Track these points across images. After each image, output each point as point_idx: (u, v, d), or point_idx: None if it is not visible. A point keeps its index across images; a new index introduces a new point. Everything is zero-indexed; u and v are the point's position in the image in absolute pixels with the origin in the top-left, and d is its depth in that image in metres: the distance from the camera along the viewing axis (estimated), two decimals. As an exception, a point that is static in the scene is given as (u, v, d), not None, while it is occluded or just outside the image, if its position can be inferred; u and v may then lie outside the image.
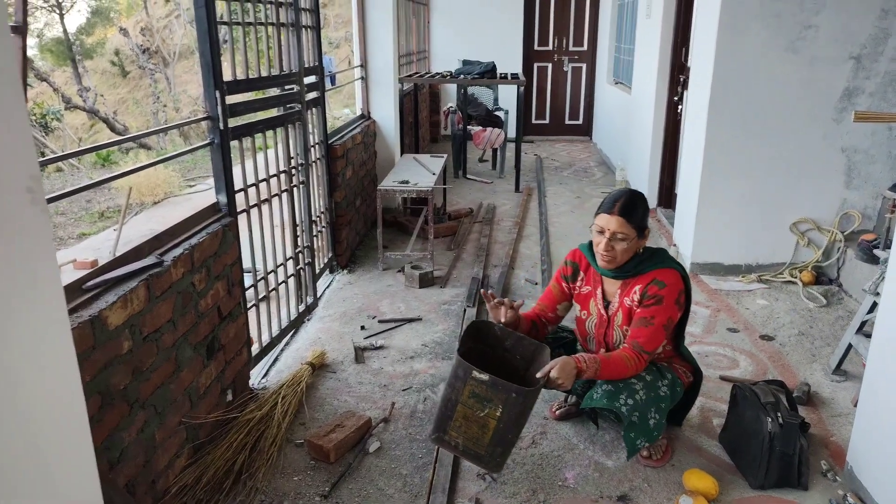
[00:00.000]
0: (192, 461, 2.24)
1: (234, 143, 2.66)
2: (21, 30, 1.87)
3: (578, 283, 2.50)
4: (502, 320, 2.29)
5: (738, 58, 3.76)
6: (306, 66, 3.44)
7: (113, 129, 13.32)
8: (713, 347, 3.23)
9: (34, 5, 22.89)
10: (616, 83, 7.50)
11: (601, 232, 2.27)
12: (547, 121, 9.12)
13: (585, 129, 9.04)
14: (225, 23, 2.60)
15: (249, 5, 2.79)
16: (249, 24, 2.80)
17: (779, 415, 2.24)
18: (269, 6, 2.98)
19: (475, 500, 2.21)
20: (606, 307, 2.41)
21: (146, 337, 1.94)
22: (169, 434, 2.10)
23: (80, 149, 2.02)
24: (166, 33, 20.16)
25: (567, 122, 9.11)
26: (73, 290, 1.75)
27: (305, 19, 3.48)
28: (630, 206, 2.24)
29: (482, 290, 2.42)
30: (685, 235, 4.28)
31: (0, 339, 1.14)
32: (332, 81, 6.47)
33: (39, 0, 22.84)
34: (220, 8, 2.60)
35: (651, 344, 2.24)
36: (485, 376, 2.01)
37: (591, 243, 2.47)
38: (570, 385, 2.10)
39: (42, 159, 1.63)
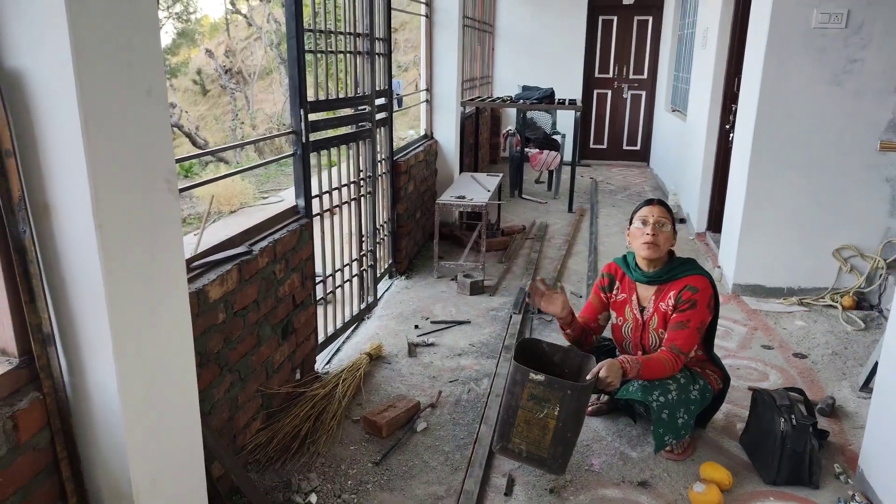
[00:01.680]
0: (266, 425, 2.60)
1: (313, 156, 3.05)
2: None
3: (615, 292, 2.76)
4: (558, 312, 2.58)
5: (783, 90, 3.95)
6: (377, 89, 3.84)
7: (195, 143, 14.25)
8: (745, 361, 3.41)
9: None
10: (673, 110, 7.67)
11: (645, 222, 2.54)
12: (605, 145, 9.33)
13: (643, 155, 9.21)
14: (311, 51, 3.01)
15: (332, 36, 3.20)
16: (331, 52, 3.21)
17: (792, 416, 2.42)
18: (348, 37, 3.39)
19: (508, 476, 2.48)
20: (641, 312, 2.66)
21: (236, 312, 2.32)
22: (248, 398, 2.47)
23: (186, 155, 2.35)
24: (246, 54, 21.35)
25: (625, 147, 9.30)
26: (183, 268, 2.15)
27: (378, 48, 3.88)
28: (663, 201, 2.62)
29: (537, 279, 2.67)
30: (729, 258, 4.44)
31: (144, 291, 1.53)
32: (399, 103, 6.91)
33: (133, 22, 24.55)
34: (307, 38, 3.01)
35: (687, 345, 2.49)
36: (541, 377, 2.23)
37: (624, 257, 2.75)
38: (617, 384, 2.33)
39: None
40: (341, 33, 3.28)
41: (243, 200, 8.72)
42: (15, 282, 1.40)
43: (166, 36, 26.25)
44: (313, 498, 2.32)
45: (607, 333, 2.91)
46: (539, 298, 2.62)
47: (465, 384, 3.16)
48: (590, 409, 2.91)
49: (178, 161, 2.08)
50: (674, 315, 2.53)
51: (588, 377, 2.30)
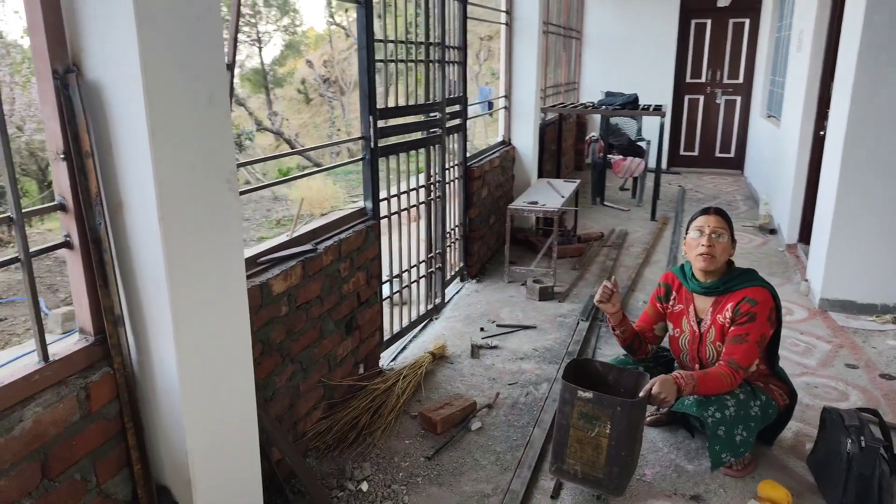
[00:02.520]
0: (326, 415, 2.74)
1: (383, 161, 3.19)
2: (230, 67, 2.48)
3: (671, 303, 2.70)
4: (611, 309, 2.57)
5: (878, 96, 3.71)
6: (450, 96, 3.94)
7: (293, 148, 14.95)
8: (824, 380, 3.23)
9: (239, 39, 26.29)
10: (769, 117, 7.32)
11: (701, 232, 2.48)
12: (696, 152, 9.01)
13: (737, 163, 8.82)
14: (381, 61, 3.14)
15: (403, 46, 3.33)
16: (402, 61, 3.34)
17: (861, 438, 2.29)
18: (419, 46, 3.51)
19: (557, 479, 2.49)
20: (699, 324, 2.59)
21: (299, 306, 2.47)
22: (310, 388, 2.61)
23: (251, 160, 2.56)
24: (346, 65, 22.20)
25: (717, 154, 8.94)
26: (250, 262, 2.31)
27: (452, 56, 3.98)
28: (721, 210, 2.54)
29: (607, 281, 2.60)
30: (817, 271, 4.21)
31: (204, 279, 1.68)
32: (490, 108, 7.02)
33: (242, 35, 26.18)
34: (379, 48, 3.15)
35: (746, 360, 2.40)
36: (589, 394, 2.21)
37: (682, 266, 2.68)
38: (672, 400, 2.28)
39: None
40: (412, 43, 3.40)
41: (334, 203, 9.09)
42: (91, 268, 1.58)
43: (274, 48, 27.74)
44: (364, 486, 2.43)
45: (665, 344, 2.85)
46: (606, 295, 2.58)
47: (524, 387, 3.18)
48: (648, 419, 2.86)
49: (243, 165, 2.23)
50: (732, 328, 2.45)
51: (641, 393, 2.26)
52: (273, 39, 26.96)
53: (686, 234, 2.58)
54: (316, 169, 3.27)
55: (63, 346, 1.60)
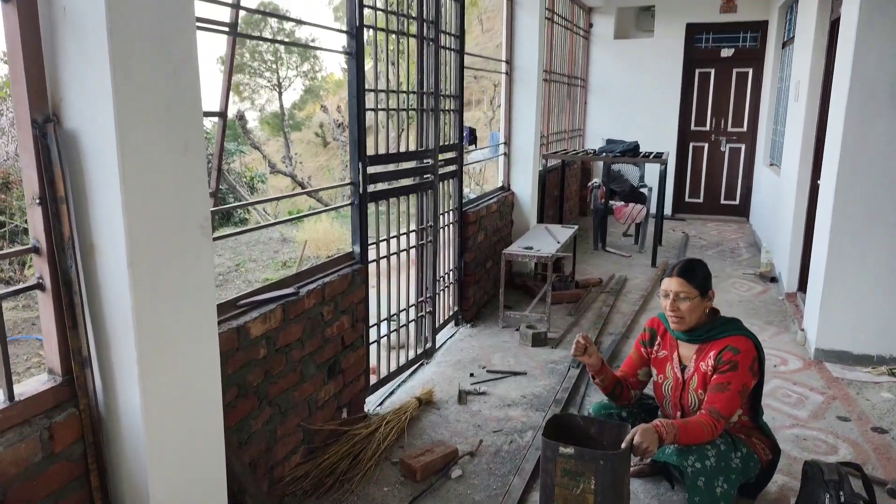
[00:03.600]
0: (305, 460, 2.74)
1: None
2: (223, 115, 2.57)
3: (656, 348, 2.70)
4: (589, 360, 2.57)
5: (868, 145, 3.74)
6: (444, 143, 4.03)
7: (309, 195, 15.20)
8: (814, 432, 3.17)
9: (260, 84, 27.02)
10: (771, 165, 7.36)
11: (666, 295, 2.50)
12: (701, 199, 9.03)
13: (742, 210, 8.82)
14: (372, 109, 3.23)
15: (394, 95, 3.43)
16: (394, 110, 3.43)
17: (840, 493, 2.25)
18: (412, 95, 3.60)
19: (533, 530, 2.46)
20: (682, 371, 2.58)
21: (279, 349, 2.50)
22: (288, 432, 2.62)
23: (219, 207, 2.61)
24: (360, 109, 22.65)
25: (722, 201, 8.95)
26: (230, 305, 2.36)
27: (447, 104, 4.08)
28: (688, 268, 2.50)
29: (581, 335, 2.63)
30: (812, 320, 4.17)
31: (172, 323, 1.72)
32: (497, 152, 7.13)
33: (264, 80, 26.93)
34: (372, 96, 3.24)
35: (728, 409, 2.38)
36: (570, 449, 2.18)
37: None
38: (654, 449, 2.24)
39: (215, 207, 2.25)
40: (403, 92, 3.50)
41: (339, 246, 9.17)
42: (62, 310, 1.63)
43: (294, 93, 28.49)
44: (338, 533, 2.41)
45: (649, 390, 2.83)
46: (579, 350, 2.60)
47: (509, 435, 3.16)
48: (632, 469, 2.82)
49: (214, 210, 2.28)
50: (714, 376, 2.44)
51: (623, 444, 2.22)
52: (293, 84, 27.67)
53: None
54: (308, 212, 3.35)
55: (30, 385, 1.64)
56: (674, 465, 2.46)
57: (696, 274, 2.49)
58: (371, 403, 3.42)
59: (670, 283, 2.49)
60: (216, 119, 2.50)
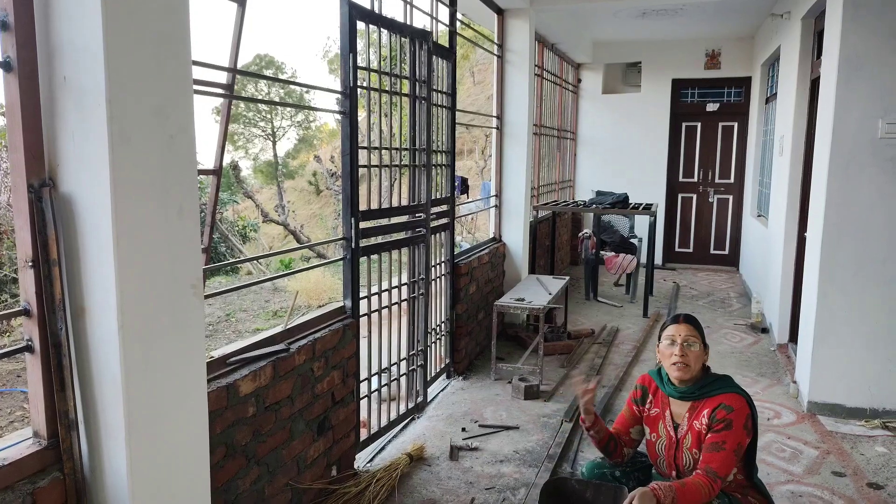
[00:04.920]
0: (294, 520, 2.68)
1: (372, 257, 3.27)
2: (217, 172, 2.61)
3: (647, 406, 2.69)
4: (584, 407, 2.55)
5: (853, 201, 3.82)
6: (436, 197, 4.08)
7: (298, 240, 15.25)
8: (810, 489, 3.14)
9: (254, 133, 27.39)
10: (758, 216, 7.47)
11: (673, 342, 2.49)
12: (691, 249, 9.12)
13: (731, 260, 8.91)
14: (365, 166, 3.29)
15: (387, 151, 3.49)
16: (386, 166, 3.49)
17: (837, 555, 2.22)
18: (403, 152, 3.67)
19: None
20: (675, 429, 2.57)
21: (268, 406, 2.48)
22: (276, 492, 2.57)
23: (211, 265, 2.62)
24: (353, 158, 22.95)
25: (712, 251, 9.04)
26: (220, 363, 2.35)
27: (439, 159, 4.15)
28: (692, 317, 2.54)
29: (581, 379, 2.62)
30: (804, 373, 4.18)
31: (161, 385, 1.71)
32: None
33: (258, 129, 27.32)
34: (363, 154, 3.30)
35: (724, 469, 2.36)
36: None
37: (659, 370, 2.69)
38: None
39: (207, 266, 2.26)
40: (396, 148, 3.57)
41: (331, 296, 9.16)
42: (50, 373, 1.62)
43: (288, 142, 28.87)
44: None
45: (642, 448, 2.80)
46: (583, 394, 2.58)
47: (501, 492, 3.11)
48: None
49: (209, 268, 2.29)
50: (708, 435, 2.42)
51: None
52: (287, 133, 28.08)
53: (659, 342, 2.60)
54: (301, 268, 3.37)
55: (15, 450, 1.62)
56: None
57: (698, 323, 2.54)
58: (361, 459, 3.37)
59: (679, 329, 2.49)
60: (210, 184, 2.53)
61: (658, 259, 8.83)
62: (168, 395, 1.75)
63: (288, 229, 15.21)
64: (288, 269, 11.58)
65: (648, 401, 2.68)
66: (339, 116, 3.11)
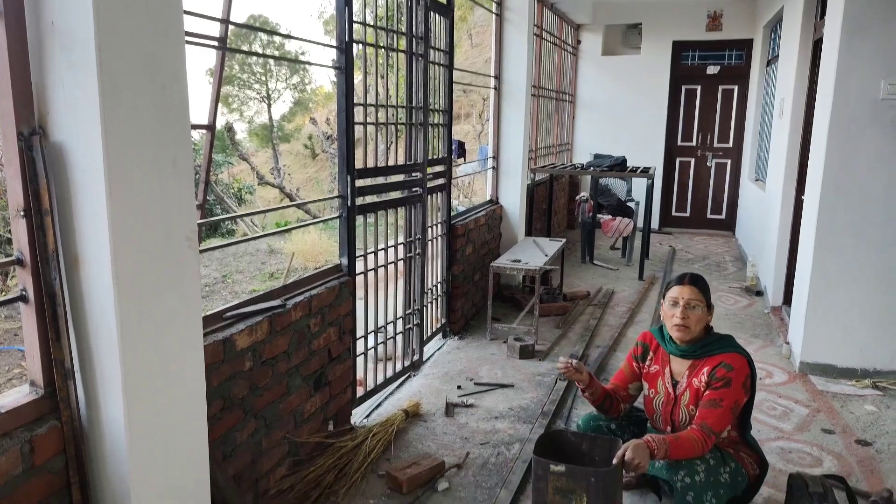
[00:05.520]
0: (291, 472, 2.72)
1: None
2: (211, 127, 2.58)
3: (648, 363, 2.71)
4: (578, 377, 2.58)
5: (852, 163, 3.80)
6: (433, 157, 4.05)
7: (299, 207, 15.19)
8: (800, 445, 3.20)
9: (249, 96, 27.04)
10: (756, 180, 7.44)
11: (675, 304, 2.51)
12: (687, 214, 9.12)
13: (728, 224, 8.91)
14: (361, 123, 3.25)
15: (383, 109, 3.45)
16: (383, 124, 3.45)
17: (824, 506, 2.27)
18: (401, 109, 3.63)
19: (519, 543, 2.45)
20: (674, 386, 2.59)
21: (264, 361, 2.49)
22: (273, 445, 2.61)
23: (235, 214, 2.62)
24: (350, 122, 22.69)
25: (709, 216, 9.04)
26: (216, 317, 2.35)
27: (436, 118, 4.11)
28: (697, 278, 2.55)
29: (566, 361, 2.63)
30: (797, 334, 4.21)
31: (157, 335, 1.72)
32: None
33: (253, 92, 26.96)
34: (361, 111, 3.26)
35: (719, 425, 2.39)
36: (561, 467, 2.16)
37: (660, 327, 2.70)
38: (646, 465, 2.23)
39: (202, 220, 2.25)
40: (392, 106, 3.52)
41: (328, 258, 9.17)
42: (45, 322, 1.62)
43: (283, 105, 28.52)
44: (322, 547, 2.40)
45: (639, 404, 2.84)
46: (569, 374, 2.61)
47: (496, 447, 3.16)
48: (618, 482, 2.82)
49: (201, 223, 2.28)
50: (706, 392, 2.45)
51: (614, 461, 2.20)
52: (283, 96, 27.72)
53: (662, 299, 2.61)
54: (296, 224, 3.35)
55: (12, 399, 1.63)
56: (663, 479, 2.47)
57: (703, 284, 2.54)
58: (358, 416, 3.41)
59: (682, 291, 2.50)
60: (204, 131, 2.51)
61: (655, 223, 8.83)
62: (164, 345, 1.76)
63: (284, 192, 15.13)
64: (284, 233, 11.57)
65: (649, 358, 2.71)
66: (334, 76, 3.06)
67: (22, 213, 1.59)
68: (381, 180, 3.58)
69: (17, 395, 1.64)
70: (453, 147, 4.84)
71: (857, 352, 3.96)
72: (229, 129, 14.76)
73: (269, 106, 26.91)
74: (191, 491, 1.91)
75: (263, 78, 26.09)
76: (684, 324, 2.49)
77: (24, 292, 1.63)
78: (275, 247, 9.91)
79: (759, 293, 5.85)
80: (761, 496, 2.72)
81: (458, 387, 3.82)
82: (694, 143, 8.96)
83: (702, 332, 2.55)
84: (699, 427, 2.38)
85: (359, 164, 3.22)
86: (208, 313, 2.30)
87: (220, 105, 2.63)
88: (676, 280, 2.58)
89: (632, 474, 2.80)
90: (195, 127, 2.23)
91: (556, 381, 3.86)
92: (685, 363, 2.58)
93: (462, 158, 5.72)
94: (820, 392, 3.80)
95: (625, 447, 2.23)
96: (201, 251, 2.05)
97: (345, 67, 3.02)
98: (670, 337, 2.61)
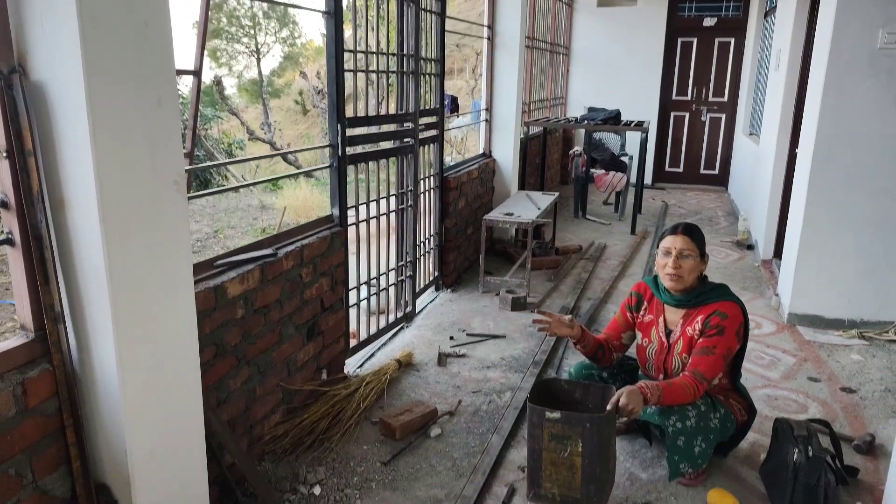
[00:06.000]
0: (284, 419, 2.75)
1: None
2: (197, 73, 2.52)
3: (642, 313, 2.73)
4: (569, 333, 2.59)
5: (846, 113, 3.77)
6: (426, 108, 3.99)
7: (285, 159, 15.04)
8: (786, 392, 3.25)
9: (237, 50, 26.46)
10: (750, 134, 7.40)
11: (668, 253, 2.51)
12: (681, 169, 9.09)
13: (721, 180, 8.90)
14: (351, 70, 3.19)
15: (375, 57, 3.38)
16: (373, 71, 3.39)
17: (808, 448, 2.32)
18: (391, 57, 3.56)
19: (510, 486, 2.51)
20: (668, 335, 2.62)
21: (256, 310, 2.49)
22: (267, 392, 2.63)
23: (225, 161, 2.59)
24: (341, 77, 22.31)
25: (702, 171, 9.02)
26: (206, 265, 2.34)
27: (428, 68, 4.04)
28: (691, 227, 2.55)
29: (538, 312, 2.67)
30: (786, 286, 4.25)
31: (147, 278, 1.70)
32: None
33: (242, 46, 26.37)
34: (352, 59, 3.19)
35: (711, 372, 2.42)
36: (557, 414, 2.19)
37: (654, 277, 2.71)
38: (639, 411, 2.27)
39: (190, 167, 2.22)
40: (384, 54, 3.45)
41: (319, 213, 9.13)
42: (33, 266, 1.61)
43: (273, 59, 27.95)
44: (317, 489, 2.44)
45: (631, 353, 2.87)
46: (550, 328, 2.62)
47: (488, 395, 3.20)
48: (608, 428, 2.87)
49: (190, 169, 2.24)
50: (700, 340, 2.47)
51: (608, 406, 2.24)
52: (272, 50, 27.18)
53: (657, 250, 2.61)
54: (286, 174, 3.31)
55: (2, 342, 1.62)
56: (655, 424, 2.51)
57: (697, 234, 2.54)
58: (351, 365, 3.44)
59: (675, 241, 2.50)
60: (191, 82, 2.45)
61: (648, 179, 8.81)
62: (154, 288, 1.75)
63: (275, 148, 14.96)
64: (275, 189, 11.48)
65: (643, 307, 2.72)
66: (324, 28, 2.98)
67: (4, 155, 1.55)
68: (372, 130, 3.53)
69: (7, 341, 1.64)
70: (446, 102, 4.78)
71: (845, 303, 4.00)
72: (218, 82, 14.49)
73: (259, 60, 26.37)
74: (186, 432, 1.93)
75: (252, 31, 25.50)
76: (676, 273, 2.49)
77: (9, 235, 1.61)
78: (266, 202, 9.84)
79: (751, 247, 5.88)
80: (747, 441, 2.78)
81: (451, 338, 3.84)
82: (689, 98, 8.88)
83: (696, 281, 2.56)
84: (691, 374, 2.41)
85: (349, 112, 3.17)
86: (199, 261, 2.28)
87: (208, 59, 2.57)
88: (670, 230, 2.58)
89: (622, 420, 2.87)
90: (180, 72, 2.17)
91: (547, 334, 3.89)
92: (679, 312, 2.60)
93: (455, 114, 5.66)
94: (807, 342, 3.85)
95: (619, 393, 2.27)
96: (189, 198, 2.03)
97: (334, 11, 2.95)
98: (664, 286, 2.62)
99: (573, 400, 2.47)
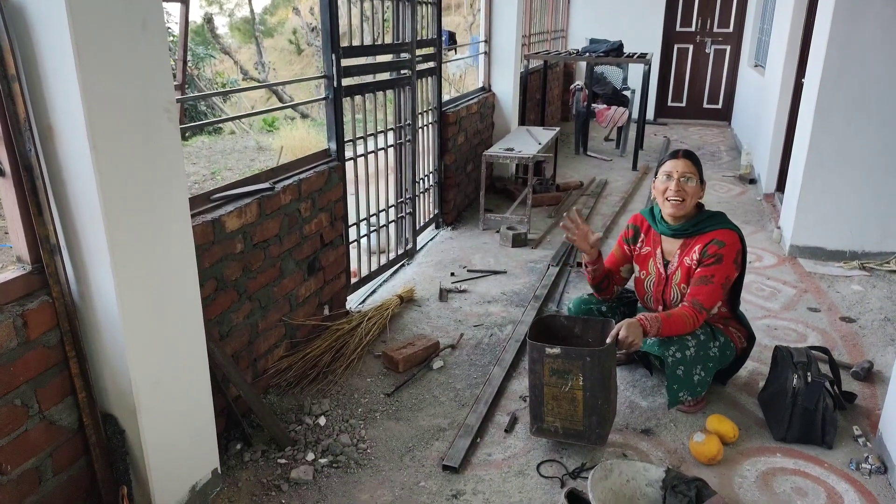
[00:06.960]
0: (288, 354, 2.77)
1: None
2: (185, 0, 2.42)
3: (639, 245, 2.71)
4: (588, 248, 2.58)
5: (855, 39, 3.66)
6: (422, 38, 3.87)
7: (281, 99, 14.74)
8: (786, 322, 3.27)
9: (227, -13, 25.58)
10: (756, 66, 7.23)
11: (669, 177, 2.47)
12: (683, 104, 8.93)
13: (724, 114, 8.75)
14: (345, -3, 3.07)
15: (369, -17, 3.25)
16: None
17: (808, 374, 2.34)
18: (387, -16, 3.42)
19: (512, 415, 2.54)
20: (665, 266, 2.60)
21: (256, 244, 2.47)
22: (270, 326, 2.63)
23: (189, 95, 2.53)
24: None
25: (705, 105, 8.86)
26: (203, 199, 2.30)
27: (425, -4, 3.89)
28: (690, 152, 2.52)
29: (569, 212, 2.62)
30: (788, 218, 4.22)
31: (142, 208, 1.67)
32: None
33: (233, -17, 25.47)
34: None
35: (710, 301, 2.41)
36: (556, 349, 2.19)
37: (651, 209, 2.68)
38: (639, 343, 2.28)
39: (182, 97, 2.16)
40: (378, -21, 3.32)
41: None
42: (25, 196, 1.57)
43: (265, -4, 27.02)
44: (322, 420, 2.47)
45: (630, 286, 2.87)
46: (574, 235, 2.60)
47: (489, 329, 3.21)
48: (608, 359, 2.90)
49: (183, 99, 2.17)
50: (698, 269, 2.46)
51: (608, 339, 2.24)
52: (264, -13, 26.27)
53: (655, 177, 2.57)
54: (280, 105, 3.23)
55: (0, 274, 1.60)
56: (655, 355, 2.52)
57: (696, 159, 2.52)
58: (353, 302, 3.44)
59: (676, 164, 2.46)
60: (178, 14, 2.36)
61: (650, 115, 8.66)
62: (149, 218, 1.72)
63: (270, 88, 14.66)
64: (271, 129, 11.31)
65: (640, 240, 2.70)
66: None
67: (-13, 80, 1.49)
68: (368, 61, 3.43)
69: (4, 273, 1.62)
70: (444, 36, 4.63)
71: (847, 234, 3.98)
72: (209, 20, 14.08)
73: (250, -2, 25.56)
74: (190, 363, 1.94)
75: (242, -34, 24.60)
76: (680, 196, 2.45)
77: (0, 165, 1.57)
78: (263, 144, 9.71)
79: (753, 181, 5.82)
80: (746, 369, 2.80)
81: (452, 274, 3.84)
82: (693, 29, 8.63)
83: (694, 209, 2.53)
84: (690, 304, 2.41)
85: (344, 41, 3.06)
86: (194, 195, 2.25)
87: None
88: (670, 155, 2.54)
89: (623, 352, 2.89)
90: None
91: (549, 268, 3.89)
92: (676, 242, 2.57)
93: (453, 50, 5.49)
94: (808, 273, 3.85)
95: (619, 326, 2.27)
96: (183, 127, 1.98)
97: (326, -66, 2.81)
98: (661, 217, 2.59)
99: (573, 335, 2.48)
